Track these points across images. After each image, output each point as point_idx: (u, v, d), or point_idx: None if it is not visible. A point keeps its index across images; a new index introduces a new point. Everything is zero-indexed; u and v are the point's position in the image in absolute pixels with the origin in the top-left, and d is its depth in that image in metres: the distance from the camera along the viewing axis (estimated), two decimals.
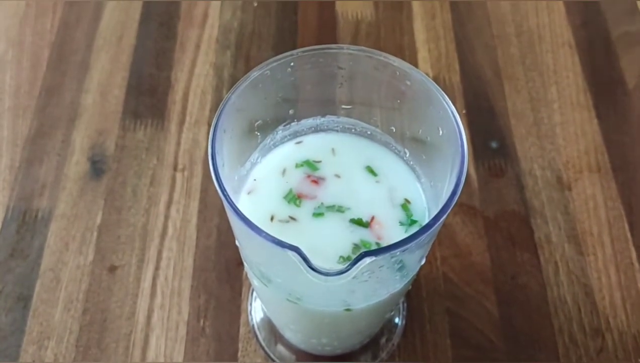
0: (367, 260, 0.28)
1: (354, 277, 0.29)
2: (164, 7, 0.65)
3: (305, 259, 0.28)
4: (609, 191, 0.55)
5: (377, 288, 0.33)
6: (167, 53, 0.63)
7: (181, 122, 0.58)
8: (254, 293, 0.50)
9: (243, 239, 0.33)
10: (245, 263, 0.37)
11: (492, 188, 0.55)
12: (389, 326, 0.49)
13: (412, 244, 0.29)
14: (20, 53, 0.62)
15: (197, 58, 0.62)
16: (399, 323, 0.49)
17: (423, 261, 0.36)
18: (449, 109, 0.32)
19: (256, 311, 0.49)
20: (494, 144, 0.57)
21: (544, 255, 0.52)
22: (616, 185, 0.55)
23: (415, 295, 0.50)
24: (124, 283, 0.51)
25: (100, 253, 0.52)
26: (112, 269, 0.51)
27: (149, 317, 0.49)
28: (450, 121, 0.32)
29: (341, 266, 0.28)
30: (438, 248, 0.52)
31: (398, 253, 0.30)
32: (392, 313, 0.46)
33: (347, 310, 0.34)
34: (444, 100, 0.32)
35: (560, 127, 0.58)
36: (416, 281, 0.51)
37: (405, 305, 0.50)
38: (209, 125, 0.58)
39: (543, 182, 0.56)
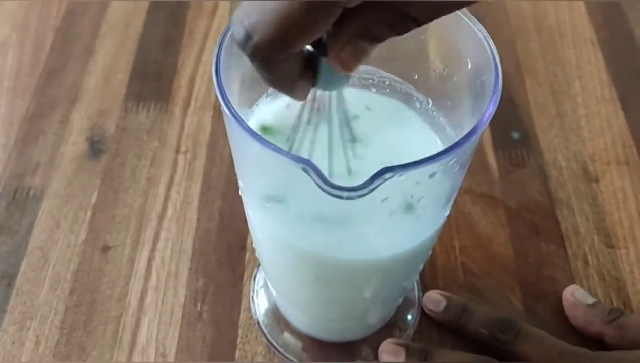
0: (388, 175, 0.24)
1: (372, 197, 0.25)
2: None
3: (319, 173, 0.25)
4: (639, 184, 0.51)
5: (395, 231, 0.30)
6: (175, 40, 0.61)
7: (186, 106, 0.56)
8: (257, 277, 0.46)
9: (246, 163, 0.30)
10: (248, 214, 0.34)
11: (514, 178, 0.52)
12: (402, 316, 0.44)
13: (439, 162, 0.25)
14: (24, 37, 0.60)
15: (205, 46, 0.60)
16: (414, 313, 0.45)
17: (447, 212, 0.32)
18: (477, 31, 0.29)
19: (259, 296, 0.45)
20: (515, 135, 0.54)
21: (571, 247, 0.48)
22: None
23: (431, 285, 0.46)
24: (117, 263, 0.47)
25: (93, 232, 0.48)
26: (105, 249, 0.47)
27: (141, 300, 0.45)
28: (479, 45, 0.29)
29: None
30: (456, 236, 0.48)
31: (420, 176, 0.26)
32: (407, 287, 0.41)
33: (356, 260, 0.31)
34: (471, 22, 0.30)
35: (585, 120, 0.55)
36: (433, 270, 0.47)
37: (420, 294, 0.46)
38: (216, 109, 0.55)
39: (568, 173, 0.52)
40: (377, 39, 0.24)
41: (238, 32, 0.23)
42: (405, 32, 0.24)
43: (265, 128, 0.33)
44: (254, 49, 0.22)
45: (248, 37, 0.22)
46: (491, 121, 0.57)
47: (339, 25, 0.23)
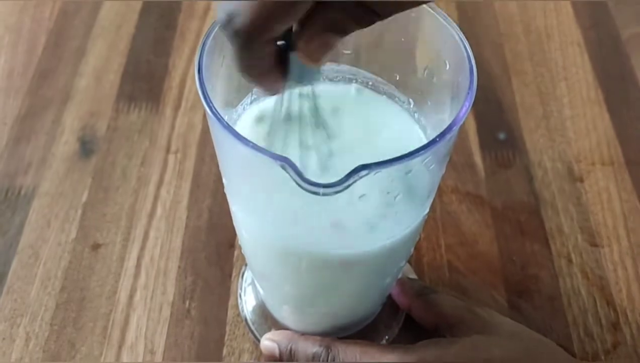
0: (363, 173, 0.25)
1: (349, 193, 0.26)
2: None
3: (296, 171, 0.25)
4: (623, 184, 0.52)
5: (374, 227, 0.30)
6: (167, 41, 0.61)
7: (177, 107, 0.56)
8: (245, 275, 0.47)
9: (228, 161, 0.30)
10: (233, 211, 0.34)
11: (500, 178, 0.53)
12: (388, 312, 0.45)
13: (414, 160, 0.26)
14: (17, 39, 0.61)
15: (196, 47, 0.60)
16: (400, 309, 0.45)
17: (426, 211, 0.33)
18: (454, 33, 0.30)
19: (247, 293, 0.46)
20: (501, 136, 0.55)
21: (555, 246, 0.49)
22: (630, 178, 0.52)
23: None
24: (107, 261, 0.47)
25: (84, 230, 0.49)
26: (95, 247, 0.48)
27: (131, 297, 0.46)
28: (456, 47, 0.30)
29: None
30: (442, 235, 0.49)
31: (396, 173, 0.27)
32: (391, 283, 0.42)
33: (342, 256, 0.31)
34: (450, 25, 0.30)
35: (570, 121, 0.56)
36: (419, 268, 0.47)
37: None
38: None
39: (553, 173, 0.53)
40: (343, 31, 0.26)
41: (221, 15, 0.24)
42: (369, 25, 0.26)
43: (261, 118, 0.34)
44: (234, 32, 0.24)
45: (229, 20, 0.24)
46: (478, 121, 0.58)
47: (307, 18, 0.25)
